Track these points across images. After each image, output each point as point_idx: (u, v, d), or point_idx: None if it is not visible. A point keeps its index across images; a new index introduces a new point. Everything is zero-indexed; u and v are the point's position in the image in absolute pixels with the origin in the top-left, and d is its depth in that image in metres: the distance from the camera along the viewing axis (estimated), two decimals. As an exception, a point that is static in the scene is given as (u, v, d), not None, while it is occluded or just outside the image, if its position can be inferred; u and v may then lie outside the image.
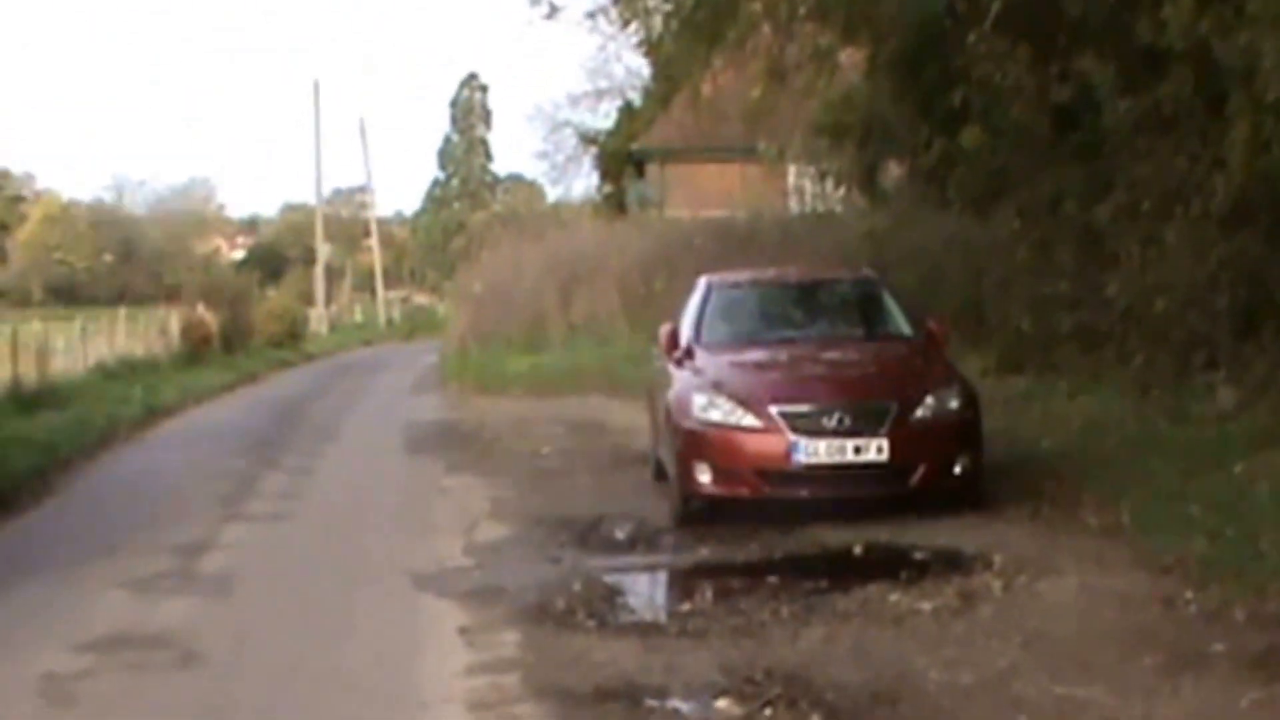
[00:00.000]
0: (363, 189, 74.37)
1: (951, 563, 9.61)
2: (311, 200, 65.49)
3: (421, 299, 72.34)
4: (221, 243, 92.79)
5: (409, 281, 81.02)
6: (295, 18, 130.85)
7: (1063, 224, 17.47)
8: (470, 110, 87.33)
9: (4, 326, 21.71)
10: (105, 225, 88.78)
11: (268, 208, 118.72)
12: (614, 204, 43.05)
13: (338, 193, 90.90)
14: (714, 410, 11.07)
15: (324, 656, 7.74)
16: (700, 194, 33.56)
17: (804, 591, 8.87)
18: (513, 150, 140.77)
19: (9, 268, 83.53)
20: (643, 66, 47.46)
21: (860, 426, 10.75)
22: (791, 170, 31.36)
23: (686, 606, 8.73)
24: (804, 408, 10.87)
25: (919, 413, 10.96)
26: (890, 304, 12.72)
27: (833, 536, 10.45)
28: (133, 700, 7.12)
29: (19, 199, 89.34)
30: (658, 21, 31.62)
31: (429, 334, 46.73)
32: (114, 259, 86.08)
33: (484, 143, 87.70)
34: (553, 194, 52.49)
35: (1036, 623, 7.89)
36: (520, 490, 13.29)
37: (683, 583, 9.78)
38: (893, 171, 25.15)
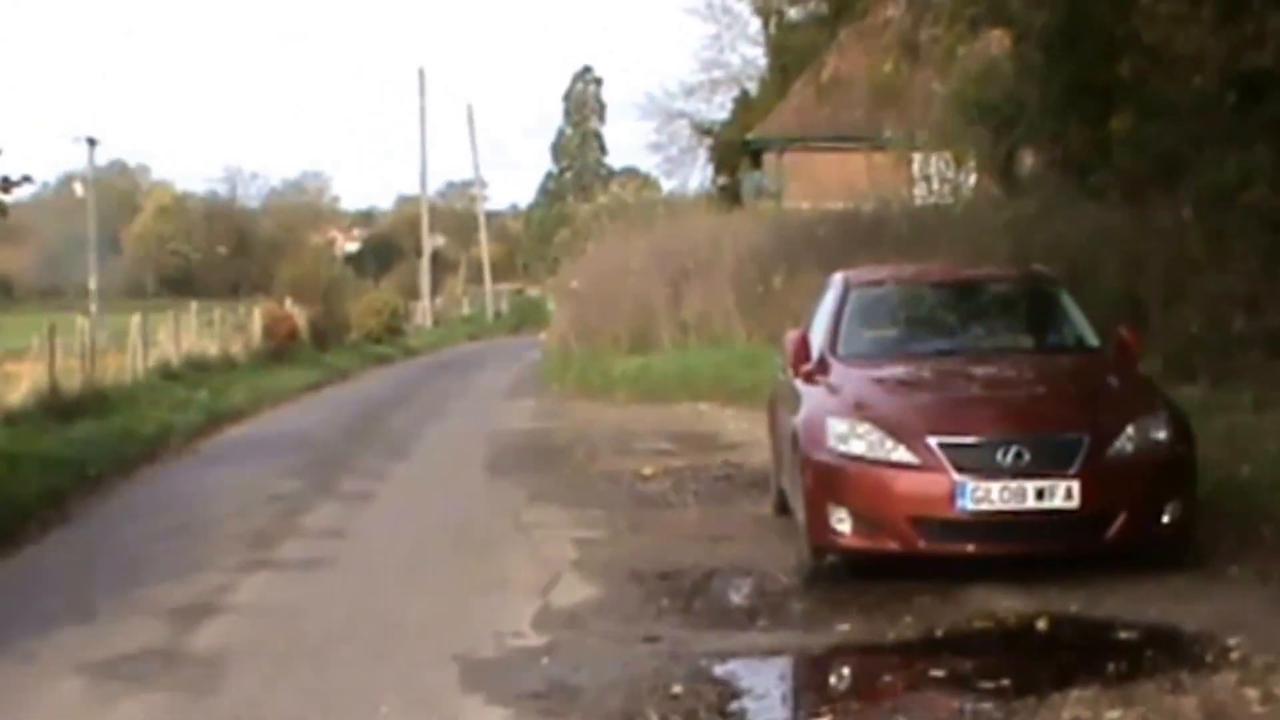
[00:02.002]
0: (474, 183, 72.95)
1: (1172, 649, 7.36)
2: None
3: (534, 292, 70.60)
4: (337, 235, 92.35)
5: (522, 275, 79.65)
6: (412, 14, 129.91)
7: (1244, 212, 15.12)
8: (584, 104, 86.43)
9: (37, 319, 19.74)
10: (219, 217, 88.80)
11: (384, 200, 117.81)
12: (729, 196, 41.01)
13: (451, 185, 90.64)
14: (855, 440, 8.71)
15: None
16: (819, 184, 31.27)
17: (981, 695, 6.65)
18: (627, 144, 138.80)
19: (123, 259, 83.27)
20: (759, 56, 45.67)
21: (1043, 464, 8.41)
22: (917, 158, 29.08)
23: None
24: (971, 439, 8.52)
25: (1117, 446, 8.60)
26: (1070, 308, 10.26)
27: (1005, 605, 8.19)
28: None
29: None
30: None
31: (537, 327, 44.95)
32: (228, 251, 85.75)
33: (598, 136, 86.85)
34: (667, 187, 50.59)
35: (1334, 771, 5.47)
36: (615, 528, 10.99)
37: (818, 677, 7.46)
38: (1026, 160, 22.98)
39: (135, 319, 22.15)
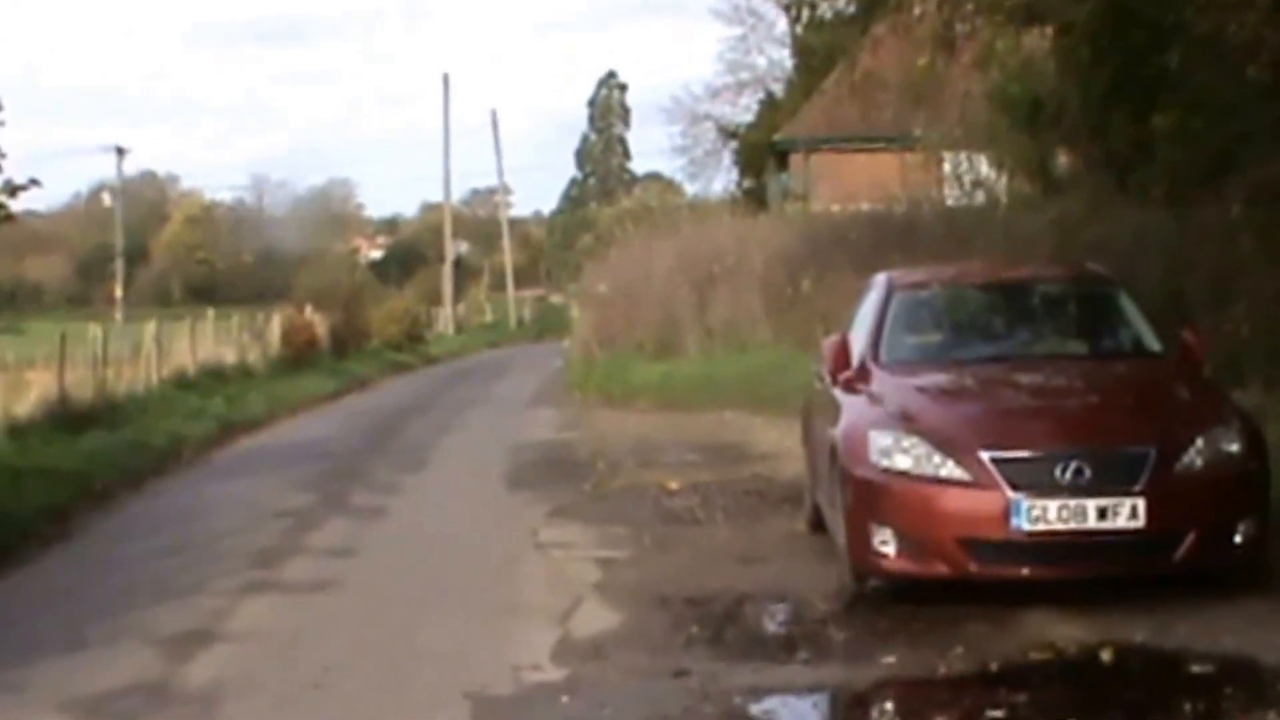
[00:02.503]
0: (498, 190, 72.52)
1: (1254, 685, 6.77)
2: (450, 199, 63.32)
3: (557, 299, 70.16)
4: (362, 242, 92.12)
5: (545, 281, 79.30)
6: (437, 20, 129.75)
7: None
8: (609, 109, 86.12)
9: (49, 326, 19.12)
10: (245, 225, 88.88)
11: (408, 207, 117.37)
12: (755, 199, 40.34)
13: (475, 193, 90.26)
14: (900, 455, 8.06)
15: None
16: (848, 186, 30.57)
17: (1047, 739, 5.98)
18: (651, 149, 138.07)
19: (151, 267, 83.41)
20: (785, 57, 44.99)
21: (1106, 480, 7.75)
22: (948, 159, 28.41)
23: (875, 769, 5.75)
24: (1027, 454, 7.87)
25: (1186, 460, 7.93)
26: (1131, 310, 9.57)
27: (1065, 633, 7.54)
28: None
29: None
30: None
31: (560, 335, 44.40)
32: (253, 259, 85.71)
33: (622, 142, 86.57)
34: (691, 190, 49.94)
35: None
36: (639, 547, 10.33)
37: (862, 716, 6.83)
38: (1061, 159, 22.38)
39: (149, 326, 21.52)
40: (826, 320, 20.28)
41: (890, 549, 7.99)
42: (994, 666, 7.10)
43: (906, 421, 8.23)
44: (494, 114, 77.14)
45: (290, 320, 30.00)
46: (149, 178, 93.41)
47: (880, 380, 8.94)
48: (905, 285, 9.91)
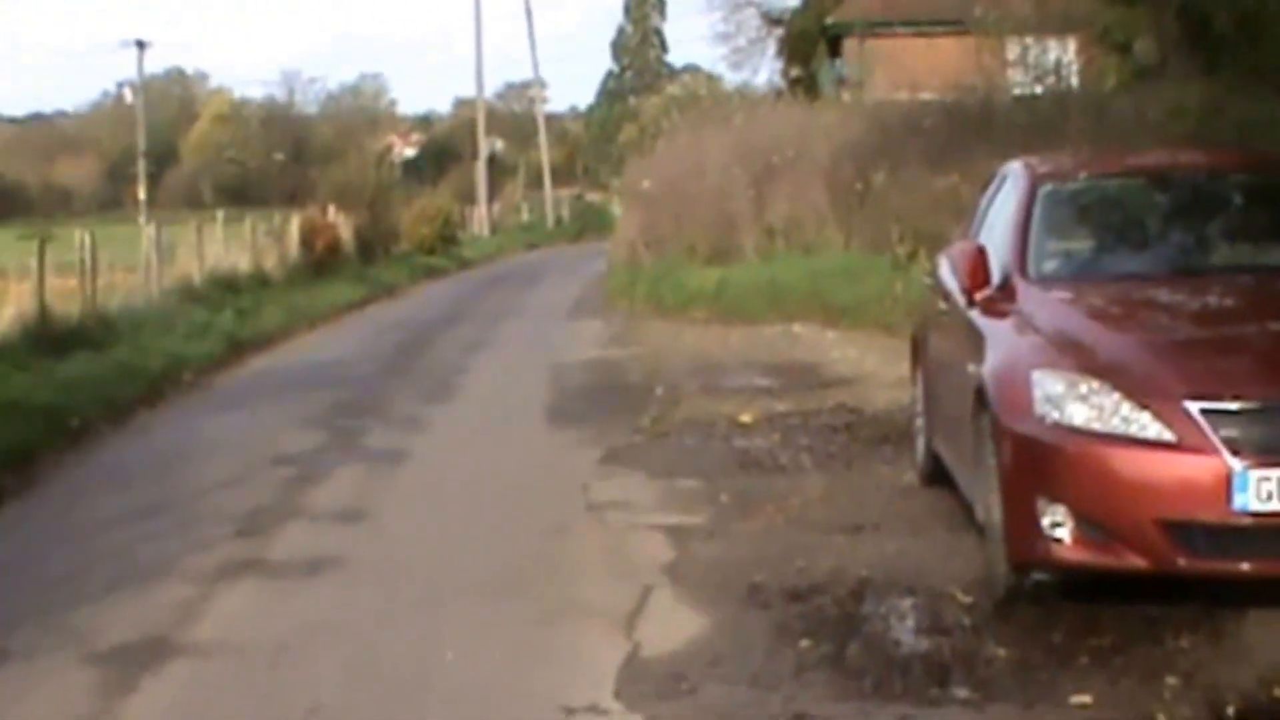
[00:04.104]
0: (532, 84, 70.09)
1: None
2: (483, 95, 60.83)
3: (595, 196, 68.05)
4: (395, 139, 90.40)
5: (582, 178, 77.31)
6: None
7: None
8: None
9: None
10: (276, 124, 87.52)
11: (442, 104, 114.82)
12: (804, 88, 38.00)
13: (510, 87, 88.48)
14: (1076, 405, 6.00)
15: None
16: (907, 72, 28.42)
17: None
18: (688, 41, 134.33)
19: (180, 168, 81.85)
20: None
21: (1364, 442, 5.68)
22: (1013, 43, 26.23)
23: None
24: (1252, 405, 5.81)
25: None
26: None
27: (1310, 656, 5.53)
28: None
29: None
30: None
31: (599, 234, 42.48)
32: (285, 158, 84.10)
33: (658, 33, 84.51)
34: (733, 81, 47.51)
35: None
36: (716, 508, 8.33)
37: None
38: (1140, 43, 20.40)
39: (149, 230, 19.44)
40: (902, 220, 18.28)
41: (1065, 533, 5.96)
42: (1230, 711, 5.13)
43: (1081, 358, 6.16)
44: (528, 4, 74.58)
45: (311, 222, 27.81)
46: (176, 75, 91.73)
47: (1032, 300, 6.88)
48: (1052, 176, 7.80)
